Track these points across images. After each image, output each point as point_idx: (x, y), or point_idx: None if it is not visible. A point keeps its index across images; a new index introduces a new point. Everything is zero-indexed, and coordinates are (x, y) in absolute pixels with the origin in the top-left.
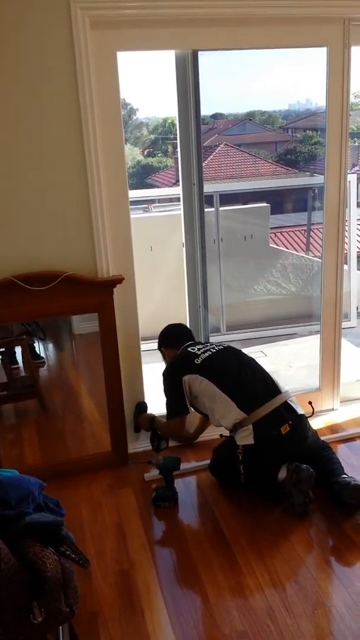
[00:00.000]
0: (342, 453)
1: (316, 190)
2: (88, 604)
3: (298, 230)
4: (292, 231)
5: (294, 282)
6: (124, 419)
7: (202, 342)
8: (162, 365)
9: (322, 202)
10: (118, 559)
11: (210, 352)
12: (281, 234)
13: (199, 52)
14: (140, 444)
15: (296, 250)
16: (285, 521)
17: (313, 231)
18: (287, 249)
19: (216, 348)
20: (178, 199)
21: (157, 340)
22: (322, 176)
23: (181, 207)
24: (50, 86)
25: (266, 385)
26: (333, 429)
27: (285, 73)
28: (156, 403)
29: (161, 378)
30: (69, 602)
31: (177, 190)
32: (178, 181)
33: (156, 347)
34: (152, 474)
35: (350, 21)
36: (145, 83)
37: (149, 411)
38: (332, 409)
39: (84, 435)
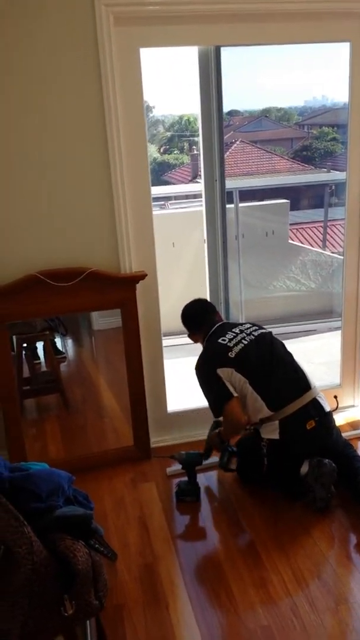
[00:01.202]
0: None
1: (333, 187)
2: (113, 597)
3: (314, 227)
4: (309, 227)
5: (314, 279)
6: (146, 413)
7: (231, 324)
8: (185, 360)
9: (340, 198)
10: (142, 552)
11: (242, 345)
12: (297, 230)
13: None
14: (161, 438)
15: (312, 247)
16: (307, 517)
17: (330, 227)
18: (304, 245)
19: (247, 339)
20: (194, 196)
21: (182, 335)
22: (341, 173)
23: (203, 203)
24: (73, 83)
25: (296, 381)
26: (354, 425)
27: (300, 69)
28: (178, 398)
29: (194, 374)
30: (99, 595)
31: (196, 187)
32: (194, 178)
33: (178, 343)
34: (174, 468)
35: None
36: (161, 81)
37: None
38: (353, 406)
39: (106, 429)
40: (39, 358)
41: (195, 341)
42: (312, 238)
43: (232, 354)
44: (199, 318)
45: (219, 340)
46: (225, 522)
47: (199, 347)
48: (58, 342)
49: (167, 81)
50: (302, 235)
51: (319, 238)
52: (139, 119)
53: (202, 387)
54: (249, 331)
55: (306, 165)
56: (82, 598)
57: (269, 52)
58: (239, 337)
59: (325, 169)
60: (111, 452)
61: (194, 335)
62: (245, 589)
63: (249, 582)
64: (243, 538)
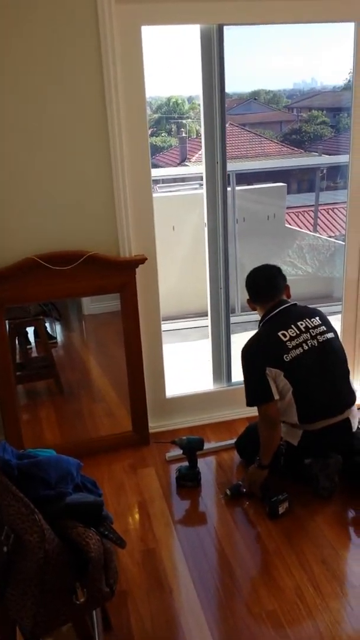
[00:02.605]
0: None
1: (324, 171)
2: None
3: (305, 211)
4: (300, 212)
5: (310, 263)
6: (145, 399)
7: (298, 314)
8: (183, 345)
9: (335, 182)
10: (144, 537)
11: (302, 350)
12: (288, 214)
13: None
14: (160, 423)
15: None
16: (311, 502)
17: (320, 212)
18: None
19: (309, 344)
20: (182, 179)
21: (181, 319)
22: (335, 156)
23: (204, 186)
24: (74, 63)
25: (337, 400)
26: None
27: (291, 51)
28: (176, 383)
29: (240, 357)
30: (110, 582)
31: (191, 170)
32: (183, 161)
33: (176, 328)
34: (173, 453)
35: None
36: (148, 62)
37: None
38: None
39: (102, 415)
40: (30, 343)
41: (253, 309)
42: (302, 222)
43: (287, 358)
44: (264, 292)
45: (279, 334)
46: (226, 507)
47: (199, 332)
48: (48, 326)
49: (154, 62)
50: (292, 219)
51: (309, 222)
52: (139, 99)
53: (244, 373)
54: (314, 332)
55: (296, 149)
56: (93, 585)
57: (260, 33)
58: (301, 339)
59: (316, 153)
60: (109, 437)
61: (254, 305)
62: (249, 573)
63: (253, 567)
64: (245, 523)
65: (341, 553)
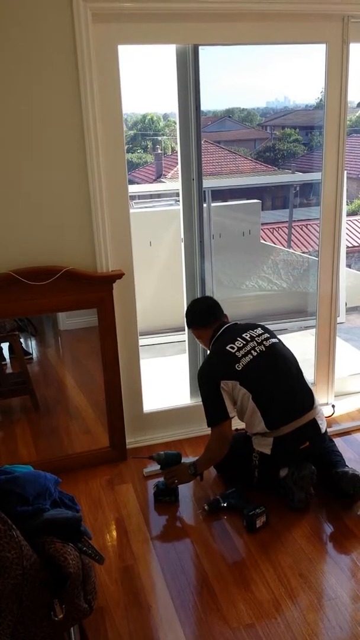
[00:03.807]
0: (338, 446)
1: (298, 188)
2: None
3: (279, 227)
4: (274, 228)
5: (285, 278)
6: (122, 414)
7: (240, 326)
8: (160, 360)
9: (305, 199)
10: (121, 554)
11: (251, 356)
12: (262, 230)
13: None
14: (137, 438)
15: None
16: (287, 514)
17: (294, 228)
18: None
19: (257, 349)
20: (158, 195)
21: (157, 334)
22: (305, 174)
23: (180, 202)
24: (51, 79)
25: (299, 401)
26: (328, 423)
27: (264, 70)
28: (153, 398)
29: (197, 379)
30: (88, 598)
31: (168, 186)
32: (158, 177)
33: (153, 343)
34: (150, 469)
35: (349, 18)
36: (124, 79)
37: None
38: (327, 404)
39: (79, 431)
40: (5, 359)
41: (199, 338)
42: (276, 238)
43: (239, 367)
44: (207, 316)
45: (227, 348)
46: (204, 522)
47: (175, 348)
48: (23, 342)
49: (130, 80)
50: (267, 235)
51: (284, 238)
52: (117, 117)
53: (201, 392)
54: (259, 339)
55: (269, 166)
56: (72, 602)
57: (234, 52)
58: (248, 347)
59: (289, 170)
60: (86, 453)
61: (199, 332)
62: (227, 587)
63: (231, 581)
64: (223, 537)
65: (318, 565)
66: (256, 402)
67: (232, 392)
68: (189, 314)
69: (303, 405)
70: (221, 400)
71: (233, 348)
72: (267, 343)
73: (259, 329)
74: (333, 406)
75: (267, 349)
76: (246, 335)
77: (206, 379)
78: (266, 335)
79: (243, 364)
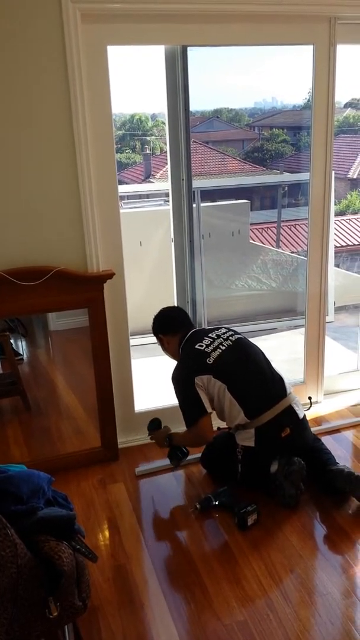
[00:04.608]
0: (328, 444)
1: (286, 188)
2: None
3: (268, 228)
4: (263, 228)
5: (274, 278)
6: (114, 414)
7: (206, 329)
8: (151, 360)
9: (294, 199)
10: (114, 553)
11: (220, 350)
12: (251, 230)
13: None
14: (129, 438)
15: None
16: (278, 512)
17: (283, 228)
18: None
19: (225, 344)
20: (147, 196)
21: (148, 334)
22: (294, 174)
23: (170, 202)
24: (40, 80)
25: (273, 388)
26: (318, 421)
27: (251, 70)
28: (146, 398)
29: (171, 383)
30: (82, 596)
31: (158, 187)
32: (147, 178)
33: (144, 343)
34: (142, 468)
35: (336, 19)
36: (113, 79)
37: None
38: (317, 402)
39: (70, 431)
40: None
41: (166, 345)
42: (265, 238)
43: (210, 360)
44: (177, 322)
45: (196, 347)
46: (196, 520)
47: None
48: (13, 343)
49: (118, 79)
50: (256, 235)
51: (272, 238)
52: (106, 116)
53: (177, 396)
54: (225, 336)
55: (258, 167)
56: (66, 600)
57: (221, 52)
58: (216, 343)
59: (277, 170)
60: (78, 454)
61: (167, 337)
62: (219, 585)
63: (223, 579)
64: (215, 535)
65: (309, 562)
66: (232, 392)
67: (208, 387)
68: (161, 320)
69: (277, 393)
70: (197, 397)
71: (202, 346)
72: (233, 338)
73: (223, 328)
74: (310, 398)
75: (233, 343)
76: (212, 334)
77: (180, 378)
78: (231, 332)
79: (213, 357)
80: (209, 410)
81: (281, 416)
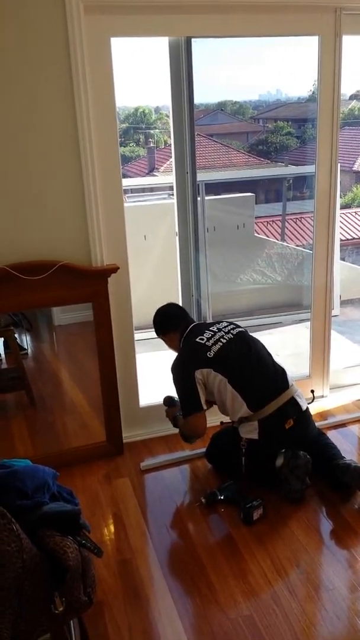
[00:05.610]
0: (333, 439)
1: (291, 181)
2: None
3: (273, 221)
4: (268, 221)
5: (279, 272)
6: (119, 408)
7: (207, 323)
8: (156, 354)
9: (299, 192)
10: (120, 548)
11: (221, 343)
12: (256, 223)
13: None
14: (134, 433)
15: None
16: (284, 507)
17: (288, 221)
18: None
19: (226, 337)
20: (151, 189)
21: (153, 329)
22: (299, 167)
23: (175, 196)
24: (43, 72)
25: (275, 381)
26: (323, 415)
27: (256, 62)
28: (151, 393)
29: (170, 374)
30: (88, 591)
31: (164, 180)
32: (151, 171)
33: (148, 337)
34: (147, 463)
35: (341, 10)
36: (115, 71)
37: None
38: (322, 396)
39: (75, 426)
40: (0, 354)
41: (169, 343)
42: (270, 232)
43: (210, 354)
44: (177, 317)
45: (197, 340)
46: (201, 514)
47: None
48: (18, 337)
49: (121, 72)
50: (261, 229)
51: (277, 232)
52: (109, 109)
53: (175, 385)
54: (226, 329)
55: (262, 159)
56: (72, 595)
57: (226, 44)
58: (217, 336)
59: (282, 163)
60: (82, 448)
61: (169, 335)
62: (225, 580)
63: (229, 573)
64: (220, 529)
65: (315, 557)
66: (233, 385)
67: (208, 381)
68: (159, 319)
69: (280, 384)
70: (195, 392)
71: (202, 339)
72: (234, 332)
73: (224, 322)
74: (312, 392)
75: (234, 336)
76: (213, 328)
77: (180, 371)
78: (232, 326)
79: (214, 351)
80: (204, 407)
81: (284, 408)
